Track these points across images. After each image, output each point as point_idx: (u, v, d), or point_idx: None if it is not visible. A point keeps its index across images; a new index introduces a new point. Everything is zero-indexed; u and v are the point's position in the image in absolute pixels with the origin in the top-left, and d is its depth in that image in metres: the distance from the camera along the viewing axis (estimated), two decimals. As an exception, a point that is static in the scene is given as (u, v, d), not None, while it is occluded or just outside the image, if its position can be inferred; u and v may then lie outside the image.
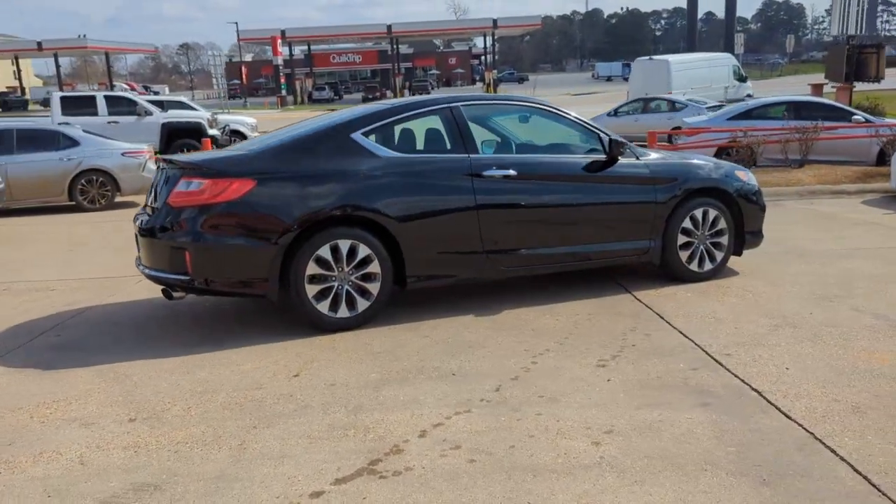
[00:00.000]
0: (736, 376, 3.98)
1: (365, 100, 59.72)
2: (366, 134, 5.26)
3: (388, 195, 5.12)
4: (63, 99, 18.49)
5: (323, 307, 5.01)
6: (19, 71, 68.27)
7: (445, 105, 5.56)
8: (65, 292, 6.54)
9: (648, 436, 3.30)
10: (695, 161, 6.32)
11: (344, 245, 5.01)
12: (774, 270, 6.36)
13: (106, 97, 18.75)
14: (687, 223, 6.00)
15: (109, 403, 3.92)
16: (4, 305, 6.15)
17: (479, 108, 5.87)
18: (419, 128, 5.61)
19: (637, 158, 5.93)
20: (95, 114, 18.21)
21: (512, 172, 5.45)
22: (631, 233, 5.85)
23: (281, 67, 52.09)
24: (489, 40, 64.71)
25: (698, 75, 27.62)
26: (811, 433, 3.26)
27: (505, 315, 5.31)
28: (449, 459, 3.13)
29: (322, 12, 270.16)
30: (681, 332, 4.79)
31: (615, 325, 5.01)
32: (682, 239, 6.01)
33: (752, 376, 3.98)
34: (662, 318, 5.13)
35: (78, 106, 18.40)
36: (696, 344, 4.55)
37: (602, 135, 5.86)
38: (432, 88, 72.61)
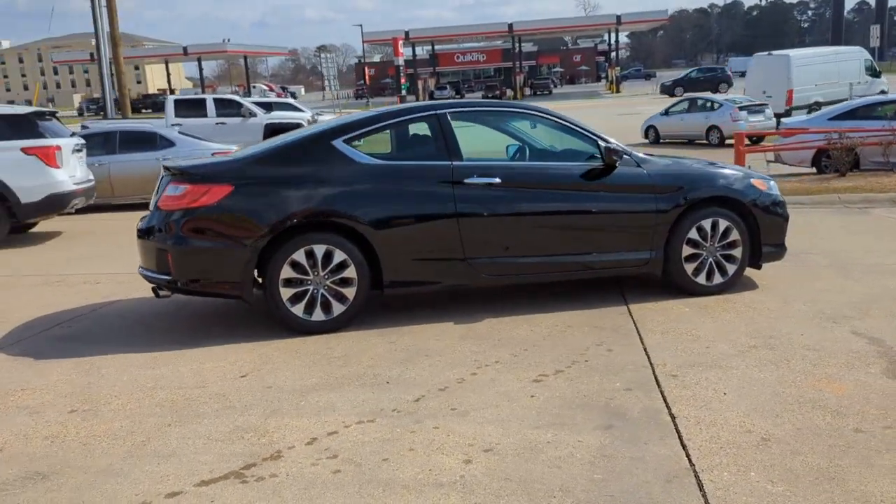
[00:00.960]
0: (664, 399, 3.81)
1: (484, 98, 60.04)
2: (347, 141, 5.37)
3: (365, 201, 5.21)
4: (176, 102, 19.75)
5: (297, 310, 5.17)
6: (169, 74, 73.23)
7: (433, 112, 5.58)
8: (108, 285, 7.04)
9: (525, 457, 3.23)
10: (706, 169, 6.03)
11: (319, 250, 5.14)
12: (798, 285, 5.98)
13: (215, 100, 19.86)
14: (693, 234, 5.74)
15: (65, 394, 4.24)
16: (47, 295, 6.70)
17: (470, 115, 5.86)
18: (405, 135, 5.66)
19: (638, 166, 5.73)
20: (205, 115, 19.33)
21: (496, 180, 5.40)
22: (628, 243, 5.67)
23: (402, 68, 53.18)
24: (617, 36, 63.36)
25: (823, 70, 25.87)
26: (692, 465, 3.09)
27: (484, 324, 5.28)
28: (317, 468, 3.20)
29: (455, 12, 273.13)
30: (644, 349, 4.61)
31: (585, 338, 4.88)
32: (687, 250, 5.75)
33: (680, 400, 3.79)
34: (639, 333, 4.96)
35: (189, 108, 19.60)
36: (650, 363, 4.37)
37: (601, 142, 5.70)
38: (555, 86, 71.96)
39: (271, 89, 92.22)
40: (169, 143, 13.93)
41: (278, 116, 19.96)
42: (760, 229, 5.90)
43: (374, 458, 3.27)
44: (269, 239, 5.08)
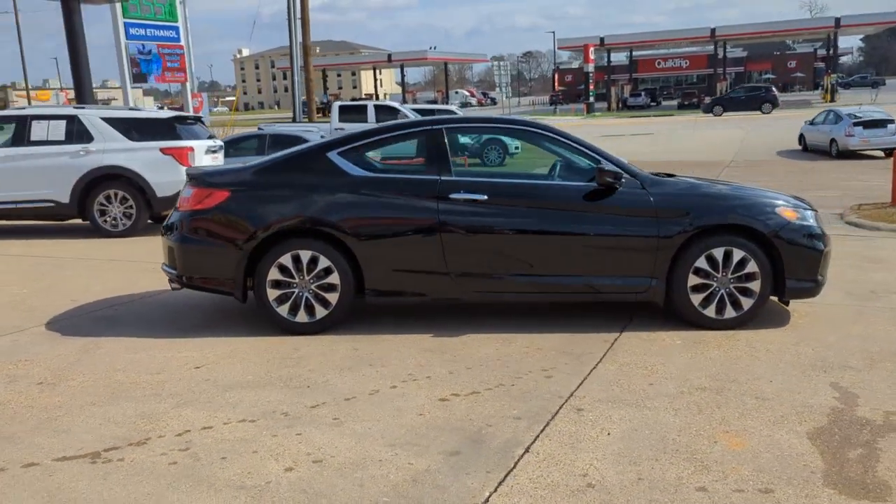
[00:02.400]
0: (538, 433, 3.69)
1: (680, 106, 57.73)
2: (342, 154, 5.62)
3: (350, 212, 5.44)
4: (341, 107, 21.04)
5: (283, 311, 5.50)
6: (376, 80, 77.54)
7: (429, 127, 5.70)
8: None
9: (343, 472, 3.30)
10: (722, 193, 5.63)
11: (305, 255, 5.45)
12: (833, 326, 5.46)
13: (375, 106, 20.94)
14: (702, 263, 5.40)
15: (50, 368, 4.85)
16: (130, 279, 7.51)
17: (468, 130, 5.90)
18: (404, 149, 5.81)
19: (642, 187, 5.47)
20: (365, 120, 20.44)
21: (481, 197, 5.41)
22: (624, 268, 5.44)
23: (592, 74, 52.53)
24: (836, 40, 58.38)
25: None
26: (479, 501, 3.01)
27: (458, 339, 5.32)
28: (160, 458, 3.48)
29: (666, 16, 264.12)
30: (583, 380, 4.46)
31: (540, 361, 4.79)
32: (694, 280, 5.43)
33: (554, 435, 3.66)
34: (599, 362, 4.78)
35: (352, 113, 20.83)
36: (572, 394, 4.22)
37: (603, 162, 5.52)
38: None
39: (472, 95, 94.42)
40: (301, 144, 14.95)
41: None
42: (784, 262, 5.42)
43: (216, 455, 3.49)
44: (259, 242, 5.44)
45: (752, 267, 5.40)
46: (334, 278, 5.45)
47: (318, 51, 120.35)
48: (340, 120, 20.49)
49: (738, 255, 5.40)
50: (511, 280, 5.48)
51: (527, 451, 3.49)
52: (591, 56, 51.95)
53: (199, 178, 5.70)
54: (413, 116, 20.54)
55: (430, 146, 5.61)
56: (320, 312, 5.50)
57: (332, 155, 5.61)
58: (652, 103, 62.58)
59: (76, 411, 4.09)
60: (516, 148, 22.68)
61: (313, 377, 4.58)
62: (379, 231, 5.44)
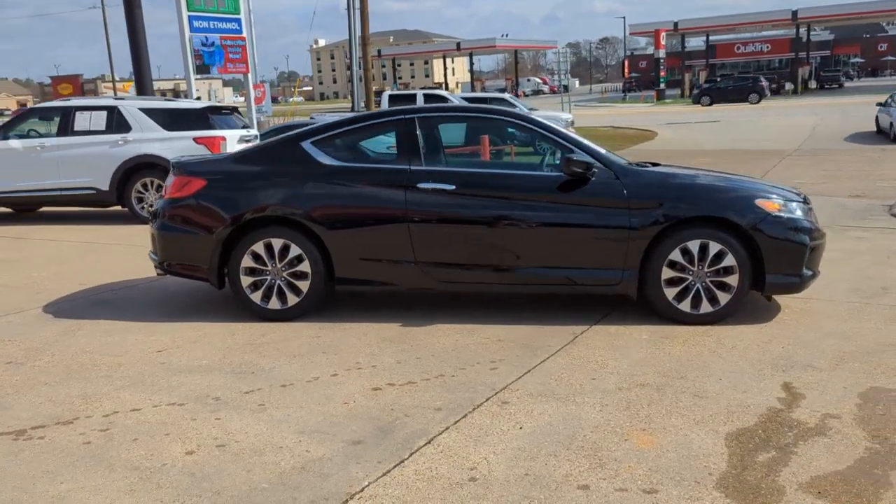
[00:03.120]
0: (451, 425, 3.67)
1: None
2: (315, 143, 5.68)
3: (320, 200, 5.50)
4: (391, 97, 21.21)
5: (256, 297, 5.62)
6: (446, 69, 77.65)
7: (402, 117, 5.69)
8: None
9: (240, 457, 3.36)
10: (699, 183, 5.44)
11: (277, 243, 5.54)
12: (819, 324, 5.25)
13: (424, 95, 21.00)
14: (676, 256, 5.25)
15: (24, 348, 5.09)
16: (136, 265, 7.77)
17: (442, 119, 5.86)
18: (374, 138, 5.83)
19: (616, 178, 5.34)
20: (414, 109, 20.54)
21: (449, 187, 5.39)
22: (594, 260, 5.33)
23: (663, 60, 51.19)
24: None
25: None
26: (357, 492, 3.02)
27: (424, 329, 5.32)
28: (77, 438, 3.61)
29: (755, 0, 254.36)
30: (527, 372, 4.41)
31: (493, 353, 4.76)
32: (668, 273, 5.28)
33: (466, 427, 3.64)
34: (551, 356, 4.71)
35: (402, 102, 20.93)
36: (507, 387, 4.18)
37: (576, 150, 5.41)
38: (850, 79, 64.59)
39: (545, 82, 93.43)
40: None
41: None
42: (764, 256, 5.21)
43: (129, 437, 3.60)
44: (232, 229, 5.56)
45: (729, 261, 5.21)
46: (305, 266, 5.52)
47: (391, 40, 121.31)
48: (391, 107, 20.65)
49: (714, 248, 5.22)
50: (479, 271, 5.44)
51: (429, 442, 3.47)
52: (663, 42, 50.63)
53: (180, 167, 5.85)
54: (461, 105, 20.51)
55: (402, 136, 5.61)
56: (292, 300, 5.58)
57: (306, 144, 5.67)
58: (728, 90, 60.46)
59: (26, 390, 4.28)
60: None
61: (263, 363, 4.66)
62: (347, 220, 5.47)
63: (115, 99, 11.99)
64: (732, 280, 5.24)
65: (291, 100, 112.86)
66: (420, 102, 20.63)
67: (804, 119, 28.98)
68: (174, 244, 5.76)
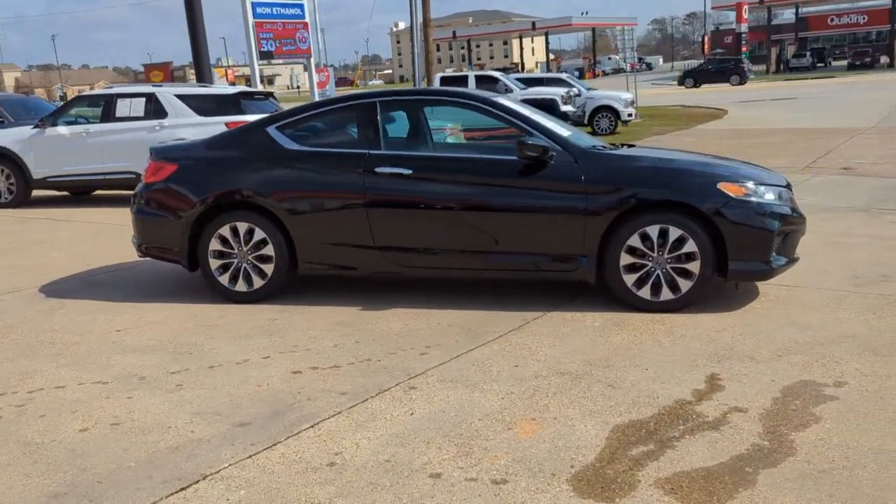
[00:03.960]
0: (345, 410, 3.69)
1: (850, 67, 53.04)
2: (280, 128, 5.76)
3: (282, 185, 5.58)
4: (442, 79, 21.17)
5: (224, 280, 5.76)
6: (522, 49, 76.69)
7: (361, 101, 5.71)
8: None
9: (124, 436, 3.48)
10: (660, 166, 5.27)
11: (242, 227, 5.66)
12: (781, 315, 5.04)
13: (476, 76, 20.88)
14: (635, 241, 5.11)
15: (1, 326, 5.38)
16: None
17: (403, 104, 5.84)
18: (336, 123, 5.86)
19: (575, 161, 5.22)
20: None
21: (406, 171, 5.38)
22: (551, 246, 5.24)
23: (745, 35, 49.16)
24: None
25: None
26: (204, 477, 3.08)
27: (381, 312, 5.34)
28: (-7, 410, 3.82)
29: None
30: (450, 358, 4.39)
31: (430, 339, 4.75)
32: (627, 259, 5.14)
33: (356, 412, 3.66)
34: (488, 342, 4.67)
35: (454, 84, 20.88)
36: (424, 372, 4.18)
37: (536, 133, 5.31)
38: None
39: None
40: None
41: (534, 92, 20.24)
42: (727, 242, 5.01)
43: (39, 413, 3.77)
44: (200, 213, 5.71)
45: (690, 246, 5.03)
46: (269, 250, 5.62)
47: (470, 21, 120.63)
48: (442, 91, 20.60)
49: (674, 233, 5.04)
50: (437, 255, 5.42)
51: (313, 426, 3.51)
52: (745, 15, 48.62)
53: (155, 152, 6.04)
54: (515, 87, 20.30)
55: (362, 120, 5.62)
56: (257, 282, 5.70)
57: (271, 129, 5.75)
58: (819, 64, 57.75)
59: (-29, 365, 4.53)
60: (629, 115, 21.93)
61: (207, 344, 4.79)
62: (308, 204, 5.54)
63: (153, 86, 12.40)
64: (694, 267, 5.06)
65: (371, 83, 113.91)
66: (471, 84, 20.51)
67: (890, 94, 27.40)
68: (149, 227, 5.95)
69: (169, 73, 64.23)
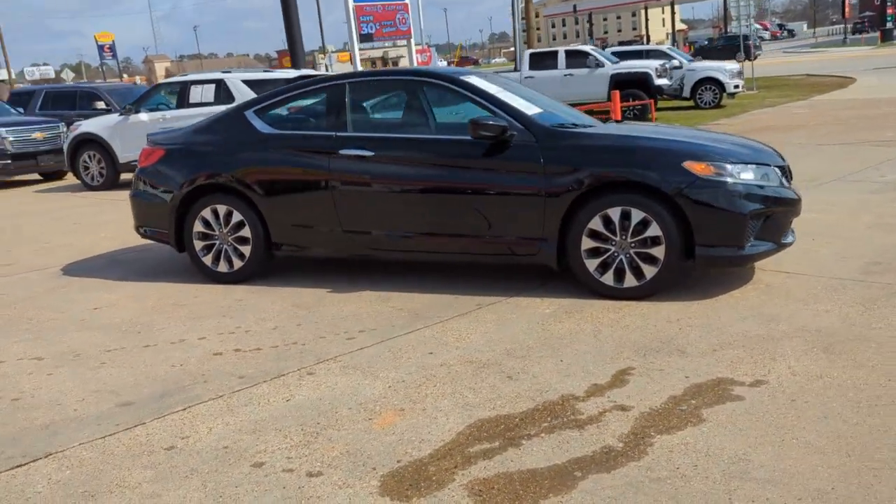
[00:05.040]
0: (229, 394, 3.72)
1: None
2: (257, 112, 5.83)
3: (255, 168, 5.66)
4: (532, 55, 20.73)
5: (207, 260, 5.93)
6: (646, 21, 73.74)
7: (332, 83, 5.68)
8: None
9: (12, 411, 3.64)
10: (624, 143, 4.94)
11: (221, 209, 5.80)
12: (755, 305, 4.67)
13: (566, 51, 20.29)
14: (597, 224, 4.85)
15: (3, 303, 5.77)
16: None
17: (370, 85, 5.76)
18: (309, 106, 5.85)
19: (536, 140, 5.00)
20: (555, 67, 19.98)
21: (367, 153, 5.33)
22: (513, 228, 5.06)
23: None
24: None
25: None
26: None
27: (342, 295, 5.33)
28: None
29: None
30: (371, 344, 4.32)
31: (368, 323, 4.70)
32: (589, 243, 4.89)
33: (235, 397, 3.67)
34: (420, 328, 4.57)
35: (542, 61, 20.42)
36: (333, 358, 4.14)
37: (499, 113, 5.12)
38: None
39: (765, 28, 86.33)
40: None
41: (626, 66, 19.48)
42: (693, 225, 4.66)
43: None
44: (184, 196, 5.88)
45: (654, 230, 4.71)
46: (246, 232, 5.73)
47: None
48: (531, 68, 20.18)
49: (637, 215, 4.73)
50: (400, 238, 5.34)
51: (185, 409, 3.54)
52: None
53: (149, 138, 6.27)
54: (607, 61, 19.62)
55: (331, 102, 5.60)
56: (237, 263, 5.83)
57: (249, 113, 5.83)
58: None
59: (-48, 339, 4.88)
60: (736, 87, 20.74)
61: (161, 323, 4.95)
62: (278, 186, 5.59)
63: (222, 73, 12.86)
64: (658, 252, 4.73)
65: (494, 61, 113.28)
66: (561, 60, 19.95)
67: None
68: (143, 210, 6.20)
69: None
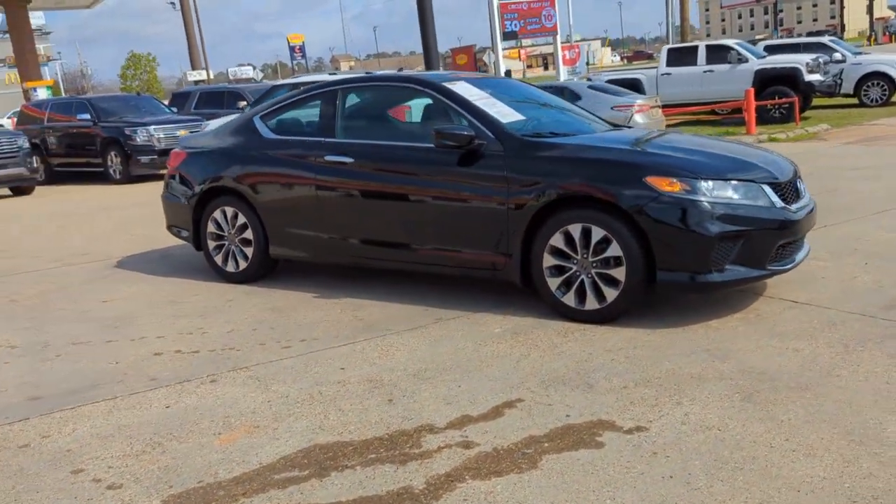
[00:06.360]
0: (119, 397, 3.85)
1: None
2: (262, 118, 5.98)
3: (256, 172, 5.83)
4: (670, 51, 19.76)
5: (218, 260, 6.17)
6: (842, 7, 67.97)
7: (324, 90, 5.73)
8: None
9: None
10: (587, 156, 4.60)
11: (229, 211, 6.03)
12: (715, 339, 4.23)
13: (707, 46, 19.16)
14: (558, 241, 4.58)
15: (41, 290, 6.29)
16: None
17: (363, 91, 5.72)
18: (309, 111, 5.89)
19: (503, 152, 4.78)
20: (694, 63, 18.93)
21: (348, 159, 5.35)
22: (478, 241, 4.88)
23: None
24: None
25: None
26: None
27: (324, 301, 5.36)
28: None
29: None
30: (297, 355, 4.33)
31: (316, 333, 4.68)
32: (550, 260, 4.63)
33: (127, 399, 3.78)
34: (359, 341, 4.52)
35: (681, 57, 19.40)
36: (246, 367, 4.18)
37: (476, 123, 4.94)
38: None
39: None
40: (577, 98, 14.77)
41: (771, 61, 18.01)
42: (653, 246, 4.28)
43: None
44: (199, 197, 6.16)
45: (615, 249, 4.36)
46: (248, 234, 5.91)
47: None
48: (668, 64, 19.20)
49: (597, 233, 4.41)
50: (378, 246, 5.31)
51: (73, 408, 3.70)
52: None
53: (180, 142, 6.60)
54: (752, 56, 18.32)
55: (323, 108, 5.64)
56: (242, 264, 6.02)
57: (256, 119, 6.00)
58: None
59: (-34, 323, 5.41)
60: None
61: (141, 320, 5.21)
62: (273, 190, 5.71)
63: (294, 78, 13.30)
64: (619, 273, 4.36)
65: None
66: (701, 55, 18.79)
67: None
68: (170, 210, 6.55)
69: (472, 56, 67.46)
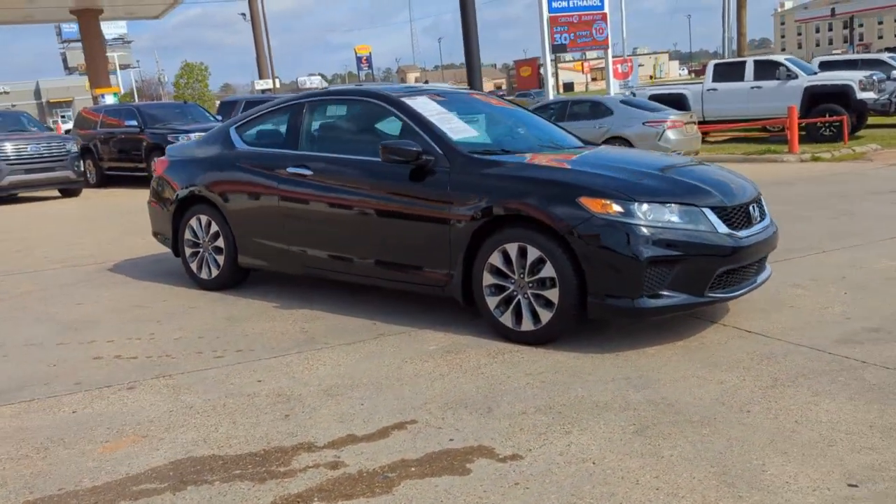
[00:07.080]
0: (36, 399, 3.94)
1: None
2: (237, 129, 6.07)
3: (225, 181, 5.92)
4: (717, 66, 19.32)
5: (194, 266, 6.28)
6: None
7: (292, 103, 5.78)
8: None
9: None
10: (525, 174, 4.52)
11: (203, 219, 6.14)
12: (635, 369, 4.09)
13: (756, 62, 18.66)
14: (497, 260, 4.51)
15: (23, 291, 6.52)
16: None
17: (326, 104, 5.73)
18: (277, 124, 5.94)
19: (449, 169, 4.74)
20: (741, 79, 18.44)
21: (306, 171, 5.38)
22: (425, 258, 4.84)
23: None
24: None
25: None
26: None
27: (280, 312, 5.38)
28: None
29: None
30: (231, 363, 4.36)
31: (253, 344, 4.71)
32: (489, 279, 4.57)
33: (42, 403, 3.86)
34: (282, 354, 4.53)
35: (728, 72, 18.93)
36: (163, 372, 4.23)
37: (427, 139, 4.91)
38: None
39: None
40: (608, 112, 14.60)
41: (823, 78, 17.40)
42: (584, 269, 4.18)
43: None
44: (177, 205, 6.29)
45: (549, 271, 4.27)
46: (220, 242, 6.00)
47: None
48: (714, 80, 18.73)
49: (533, 253, 4.32)
50: (331, 259, 5.32)
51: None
52: None
53: (167, 151, 6.76)
54: (801, 72, 17.76)
55: (290, 120, 5.69)
56: (214, 272, 6.11)
57: (231, 130, 6.09)
58: None
59: (-55, 321, 5.63)
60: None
61: (101, 323, 5.32)
62: (240, 201, 5.78)
63: (355, 86, 13.41)
64: (553, 295, 4.26)
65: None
66: (749, 71, 18.26)
67: None
68: (154, 217, 6.69)
69: (536, 68, 67.21)
